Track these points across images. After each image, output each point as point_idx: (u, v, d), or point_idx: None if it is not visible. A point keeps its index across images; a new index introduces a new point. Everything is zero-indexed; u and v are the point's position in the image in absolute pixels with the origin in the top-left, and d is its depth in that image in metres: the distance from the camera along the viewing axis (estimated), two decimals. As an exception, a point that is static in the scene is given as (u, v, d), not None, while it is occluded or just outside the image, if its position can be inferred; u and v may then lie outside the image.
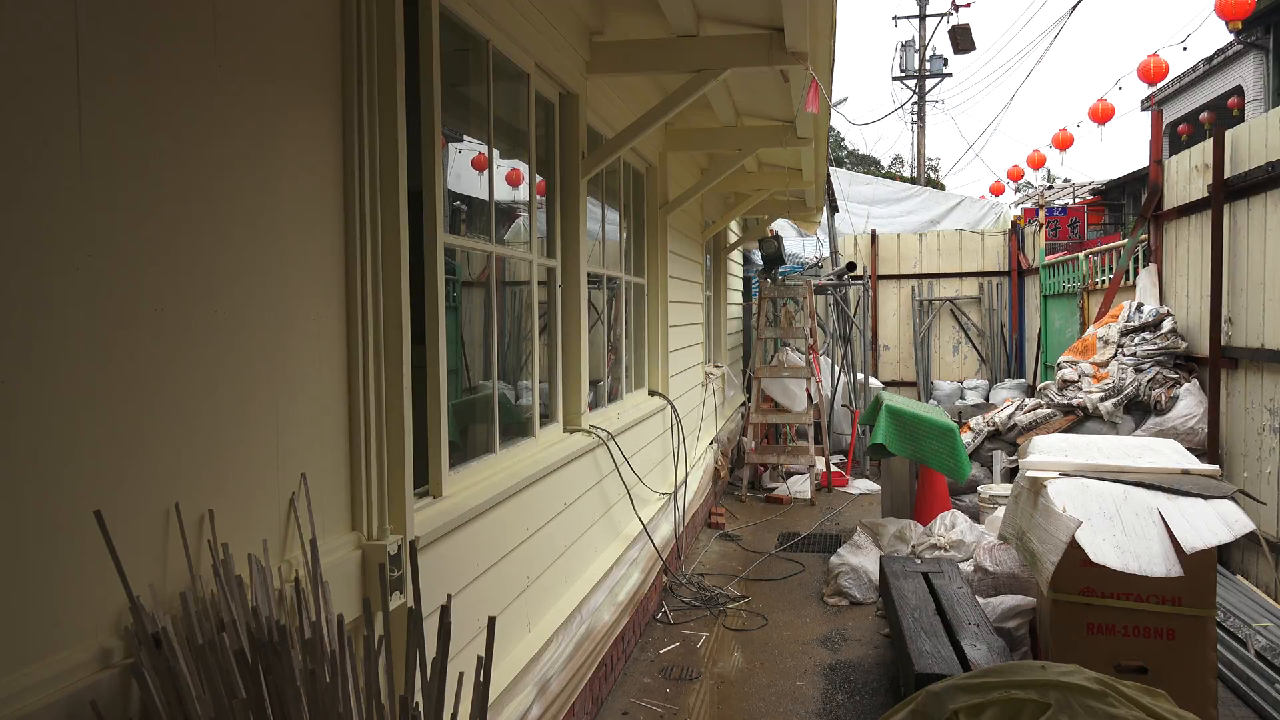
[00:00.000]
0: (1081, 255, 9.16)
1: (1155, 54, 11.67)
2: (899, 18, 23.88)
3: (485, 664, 1.93)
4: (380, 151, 2.30)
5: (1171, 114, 16.48)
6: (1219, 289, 5.79)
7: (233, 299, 1.81)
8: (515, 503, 3.29)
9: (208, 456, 1.74)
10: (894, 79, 24.54)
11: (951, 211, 14.34)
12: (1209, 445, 5.92)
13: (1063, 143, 15.61)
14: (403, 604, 2.29)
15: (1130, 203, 13.55)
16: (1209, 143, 5.97)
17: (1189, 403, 6.21)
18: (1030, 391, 10.85)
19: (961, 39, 17.98)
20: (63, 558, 1.43)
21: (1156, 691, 2.45)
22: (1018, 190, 23.43)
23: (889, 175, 25.75)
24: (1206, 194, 6.01)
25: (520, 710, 3.06)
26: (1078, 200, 13.05)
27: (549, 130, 4.06)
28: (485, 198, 3.46)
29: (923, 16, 23.34)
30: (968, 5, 21.69)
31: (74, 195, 1.45)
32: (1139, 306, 6.98)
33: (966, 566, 5.11)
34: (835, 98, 12.26)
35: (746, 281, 12.16)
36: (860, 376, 10.45)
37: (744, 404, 10.83)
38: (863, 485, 9.03)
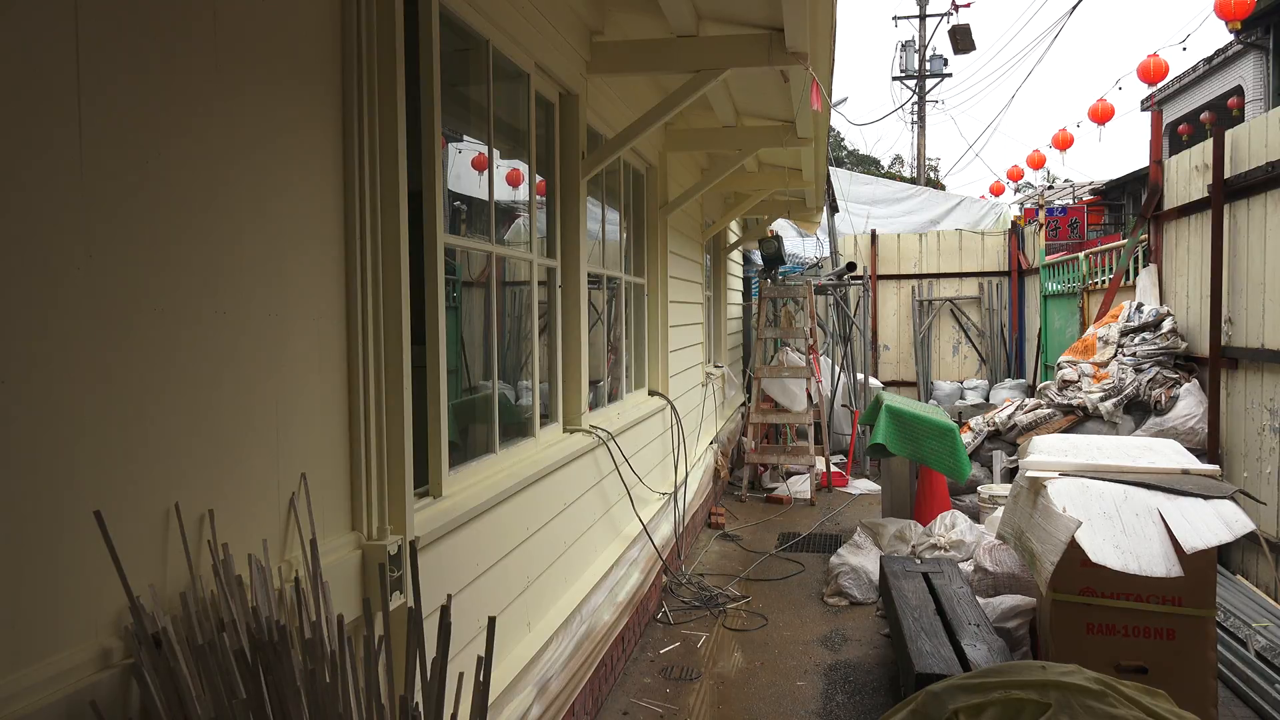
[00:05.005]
0: (1081, 255, 9.16)
1: (1155, 54, 11.66)
2: (899, 18, 23.87)
3: (485, 664, 1.93)
4: (380, 152, 2.30)
5: (1171, 114, 16.48)
6: (1219, 289, 5.79)
7: (234, 299, 1.81)
8: (515, 503, 3.29)
9: (208, 456, 1.74)
10: (894, 79, 24.54)
11: (951, 211, 14.34)
12: (1209, 445, 5.92)
13: (1063, 143, 15.60)
14: (403, 604, 2.29)
15: (1130, 203, 13.56)
16: (1209, 143, 5.97)
17: (1189, 403, 6.21)
18: (1030, 392, 10.85)
19: (961, 39, 17.98)
20: (63, 558, 1.43)
21: (1156, 691, 2.45)
22: (1018, 190, 23.43)
23: (889, 175, 25.76)
24: (1206, 194, 6.01)
25: (520, 710, 3.06)
26: (1078, 200, 13.04)
27: (549, 130, 4.06)
28: (485, 198, 3.46)
29: (923, 16, 23.33)
30: (968, 5, 21.69)
31: (74, 195, 1.45)
32: (1139, 306, 6.98)
33: (966, 566, 5.11)
34: (835, 98, 12.27)
35: (746, 281, 12.16)
36: (860, 376, 10.45)
37: (744, 404, 10.83)
38: (863, 485, 9.03)
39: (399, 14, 2.35)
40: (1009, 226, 13.24)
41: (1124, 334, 6.94)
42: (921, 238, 13.27)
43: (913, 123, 24.81)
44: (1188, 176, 6.51)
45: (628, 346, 5.67)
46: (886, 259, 13.26)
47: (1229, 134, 5.81)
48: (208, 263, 1.74)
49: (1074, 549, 3.25)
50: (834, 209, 12.35)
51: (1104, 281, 8.39)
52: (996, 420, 7.51)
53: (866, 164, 33.88)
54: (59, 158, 1.42)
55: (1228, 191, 5.74)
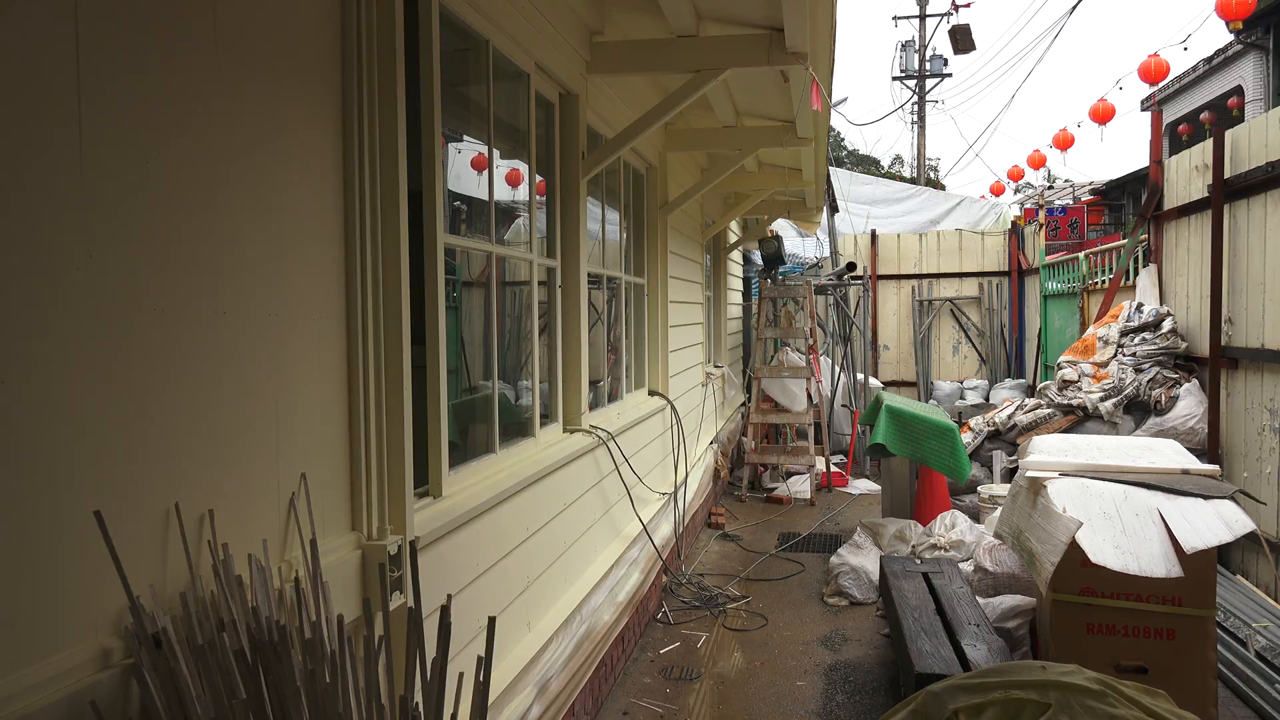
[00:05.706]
0: (1081, 255, 9.16)
1: (1156, 54, 11.65)
2: (899, 18, 23.87)
3: (485, 664, 1.93)
4: (380, 152, 2.30)
5: (1171, 114, 16.48)
6: (1219, 289, 5.79)
7: (234, 299, 1.81)
8: (515, 503, 3.29)
9: (208, 456, 1.74)
10: (894, 79, 24.53)
11: (951, 211, 14.34)
12: (1209, 445, 5.92)
13: (1063, 143, 15.60)
14: (403, 604, 2.29)
15: (1130, 203, 13.56)
16: (1209, 143, 5.97)
17: (1189, 403, 6.21)
18: (1030, 391, 10.85)
19: (961, 39, 17.98)
20: (63, 558, 1.43)
21: (1156, 691, 2.45)
22: (1018, 190, 23.42)
23: (889, 175, 25.76)
24: (1206, 194, 6.01)
25: (520, 710, 3.06)
26: (1078, 200, 13.04)
27: (549, 130, 4.06)
28: (485, 198, 3.46)
29: (923, 16, 23.33)
30: (968, 5, 21.68)
31: (74, 195, 1.45)
32: (1139, 306, 6.98)
33: (966, 566, 5.11)
34: (835, 98, 12.27)
35: (746, 281, 12.16)
36: (860, 376, 10.45)
37: (744, 404, 10.83)
38: (863, 485, 9.03)
39: (399, 14, 2.35)
40: (1009, 226, 13.23)
41: (1124, 334, 6.94)
42: (921, 238, 13.27)
43: (913, 123, 24.82)
44: (1188, 176, 6.51)
45: (628, 346, 5.67)
46: (886, 259, 13.26)
47: (1229, 134, 5.81)
48: (208, 263, 1.74)
49: (1074, 549, 3.25)
50: (834, 209, 12.35)
51: (1104, 281, 8.39)
52: (996, 420, 7.51)
53: (866, 164, 33.88)
54: (59, 158, 1.42)
55: (1228, 191, 5.74)
